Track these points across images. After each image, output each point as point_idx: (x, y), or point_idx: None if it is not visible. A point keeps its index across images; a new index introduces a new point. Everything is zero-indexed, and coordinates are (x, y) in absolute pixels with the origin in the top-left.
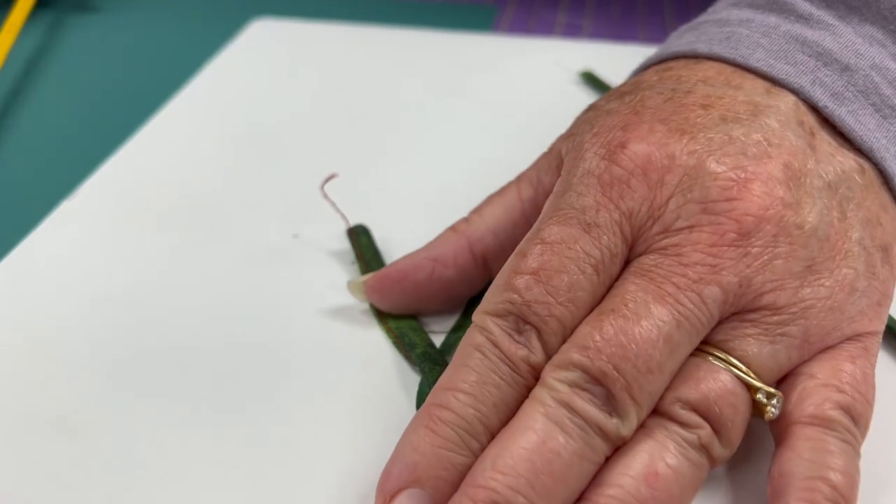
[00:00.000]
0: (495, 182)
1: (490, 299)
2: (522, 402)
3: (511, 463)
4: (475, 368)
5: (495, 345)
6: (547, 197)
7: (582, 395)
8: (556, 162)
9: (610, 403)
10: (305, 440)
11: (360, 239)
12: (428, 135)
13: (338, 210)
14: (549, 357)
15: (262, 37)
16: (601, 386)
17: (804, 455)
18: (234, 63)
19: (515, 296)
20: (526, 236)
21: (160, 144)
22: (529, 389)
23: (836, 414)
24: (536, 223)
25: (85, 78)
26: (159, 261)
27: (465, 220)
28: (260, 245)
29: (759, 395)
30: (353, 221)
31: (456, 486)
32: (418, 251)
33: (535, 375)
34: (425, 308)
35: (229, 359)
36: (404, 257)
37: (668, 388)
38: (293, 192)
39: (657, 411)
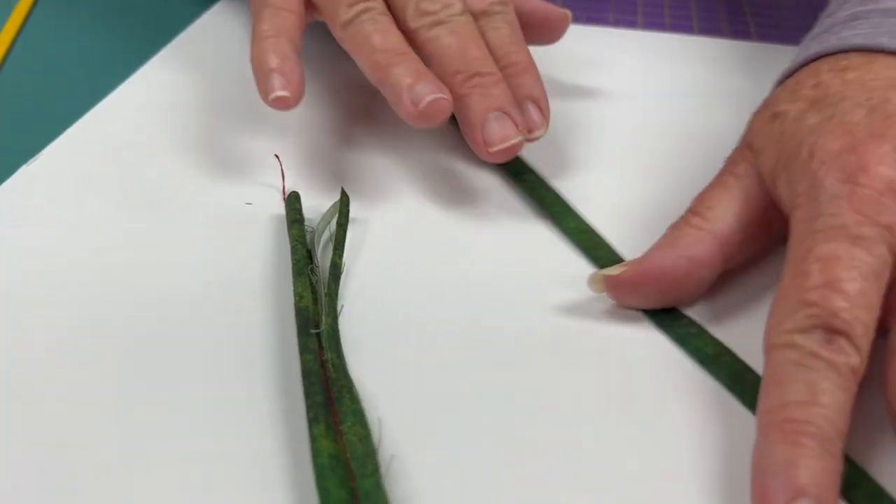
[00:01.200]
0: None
1: (787, 318)
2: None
3: None
4: (804, 380)
5: (816, 356)
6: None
7: None
8: (750, 171)
9: None
10: (265, 404)
11: (293, 205)
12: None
13: (282, 176)
14: (863, 359)
15: (232, 10)
16: None
17: None
18: (204, 35)
19: (816, 309)
20: (792, 258)
21: (124, 113)
22: (853, 394)
23: None
24: (798, 246)
25: (51, 46)
26: (117, 228)
27: (701, 216)
28: (216, 213)
29: None
30: (314, 192)
31: (833, 489)
32: (665, 248)
33: (857, 380)
34: (671, 303)
35: (183, 327)
36: (653, 252)
37: None
38: (254, 160)
39: None
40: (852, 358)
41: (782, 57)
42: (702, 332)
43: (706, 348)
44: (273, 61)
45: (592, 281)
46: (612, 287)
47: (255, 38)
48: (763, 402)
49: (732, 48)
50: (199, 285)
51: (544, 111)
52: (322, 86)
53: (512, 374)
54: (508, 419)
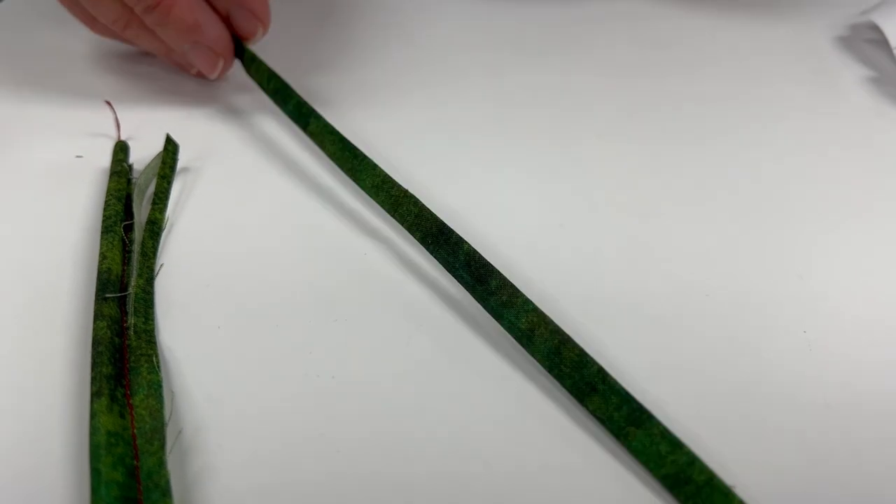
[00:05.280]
0: None
1: None
2: None
3: None
4: None
5: None
6: None
7: None
8: None
9: None
10: (58, 377)
11: (117, 156)
12: None
13: (116, 125)
14: None
15: None
16: None
17: None
18: None
19: None
20: None
21: None
22: None
23: None
24: None
25: None
26: None
27: None
28: (42, 166)
29: None
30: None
31: None
32: None
33: None
34: None
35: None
36: None
37: None
38: (81, 108)
39: None
40: None
41: None
42: (513, 299)
43: (519, 322)
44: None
45: None
46: None
47: None
48: None
49: None
50: (5, 245)
51: (257, 13)
52: None
53: (328, 345)
54: (319, 394)
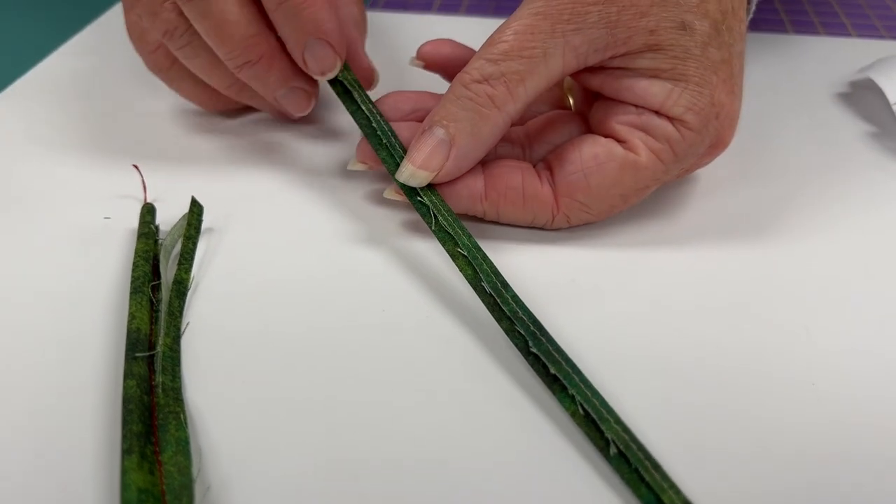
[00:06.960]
0: None
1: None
2: None
3: None
4: None
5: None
6: None
7: None
8: None
9: None
10: (89, 436)
11: (145, 218)
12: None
13: (143, 187)
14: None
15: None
16: None
17: None
18: (83, 49)
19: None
20: None
21: None
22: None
23: None
24: None
25: None
26: None
27: None
28: (72, 228)
29: None
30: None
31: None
32: None
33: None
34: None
35: (18, 353)
36: None
37: None
38: (109, 172)
39: None
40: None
41: None
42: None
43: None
44: None
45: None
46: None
47: None
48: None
49: None
50: (38, 306)
51: (335, 45)
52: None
53: (353, 401)
54: (345, 450)
